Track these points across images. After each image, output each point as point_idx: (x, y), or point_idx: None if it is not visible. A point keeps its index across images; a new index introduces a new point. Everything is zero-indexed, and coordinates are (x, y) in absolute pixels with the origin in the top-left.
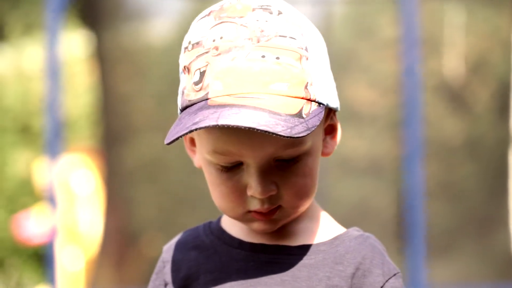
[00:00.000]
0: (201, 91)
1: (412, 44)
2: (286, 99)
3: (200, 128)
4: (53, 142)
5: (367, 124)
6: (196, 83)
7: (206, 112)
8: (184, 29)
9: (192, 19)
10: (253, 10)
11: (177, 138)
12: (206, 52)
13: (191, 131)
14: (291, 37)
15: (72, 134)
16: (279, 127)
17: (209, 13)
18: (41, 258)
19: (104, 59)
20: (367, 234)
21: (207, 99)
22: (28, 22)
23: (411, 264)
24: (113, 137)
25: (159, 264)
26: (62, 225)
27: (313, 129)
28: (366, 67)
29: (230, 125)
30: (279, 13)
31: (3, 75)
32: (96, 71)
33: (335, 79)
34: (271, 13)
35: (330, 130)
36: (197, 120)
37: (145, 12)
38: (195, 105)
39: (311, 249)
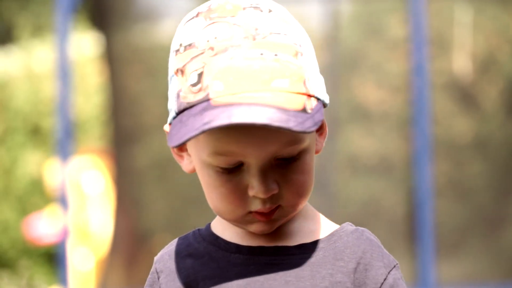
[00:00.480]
0: (200, 92)
1: (421, 43)
2: (289, 95)
3: (213, 128)
4: (64, 142)
5: (376, 123)
6: (194, 85)
7: (214, 112)
8: None
9: None
10: (244, 9)
11: (188, 140)
12: (201, 53)
13: (203, 132)
14: (285, 34)
15: (82, 135)
16: (291, 122)
17: (197, 15)
18: (52, 258)
19: (114, 59)
20: (361, 228)
21: (209, 99)
22: (38, 23)
23: (420, 262)
24: (124, 137)
25: (151, 276)
26: (73, 226)
27: (319, 123)
28: (375, 66)
29: (245, 122)
30: (270, 11)
31: (14, 76)
32: (106, 72)
33: (344, 78)
34: (261, 11)
35: (319, 127)
36: (206, 120)
37: (155, 12)
38: (195, 106)
39: (310, 248)
